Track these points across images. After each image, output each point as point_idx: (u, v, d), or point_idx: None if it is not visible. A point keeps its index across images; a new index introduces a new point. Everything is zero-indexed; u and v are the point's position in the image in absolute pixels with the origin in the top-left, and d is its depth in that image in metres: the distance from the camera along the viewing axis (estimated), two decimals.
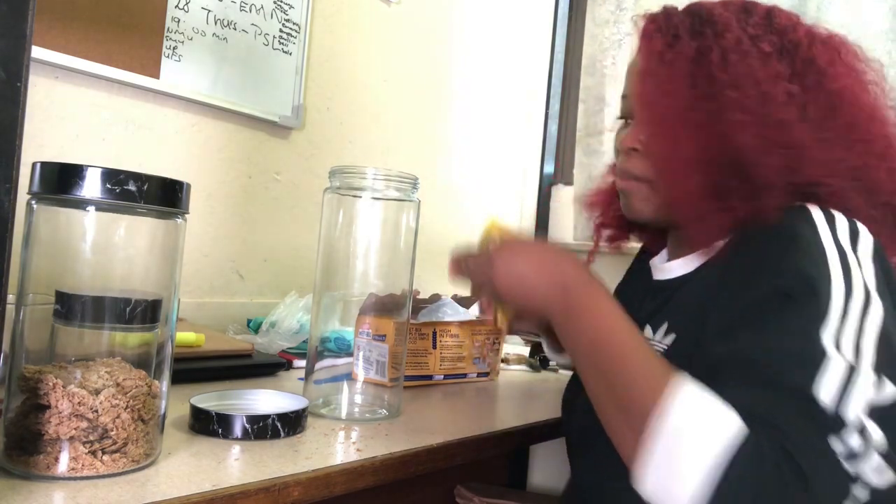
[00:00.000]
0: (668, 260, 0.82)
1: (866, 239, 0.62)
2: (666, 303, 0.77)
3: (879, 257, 0.61)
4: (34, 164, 0.60)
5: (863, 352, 0.54)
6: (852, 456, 0.49)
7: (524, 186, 2.10)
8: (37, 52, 1.08)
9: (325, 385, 0.92)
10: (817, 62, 0.69)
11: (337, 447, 0.76)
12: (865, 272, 0.59)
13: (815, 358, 0.52)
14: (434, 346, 1.13)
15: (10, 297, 0.51)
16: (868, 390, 0.51)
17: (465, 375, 1.18)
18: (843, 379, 0.52)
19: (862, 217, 0.64)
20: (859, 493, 0.50)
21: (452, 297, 1.22)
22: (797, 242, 0.60)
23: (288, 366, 1.10)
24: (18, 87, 0.44)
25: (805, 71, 0.68)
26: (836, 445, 0.49)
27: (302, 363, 1.06)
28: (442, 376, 1.15)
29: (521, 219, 2.09)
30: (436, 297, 1.23)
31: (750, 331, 0.57)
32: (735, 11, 0.71)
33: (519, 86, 2.08)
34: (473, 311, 1.23)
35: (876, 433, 0.50)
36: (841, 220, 0.62)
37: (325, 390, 0.91)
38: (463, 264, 0.73)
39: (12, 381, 0.60)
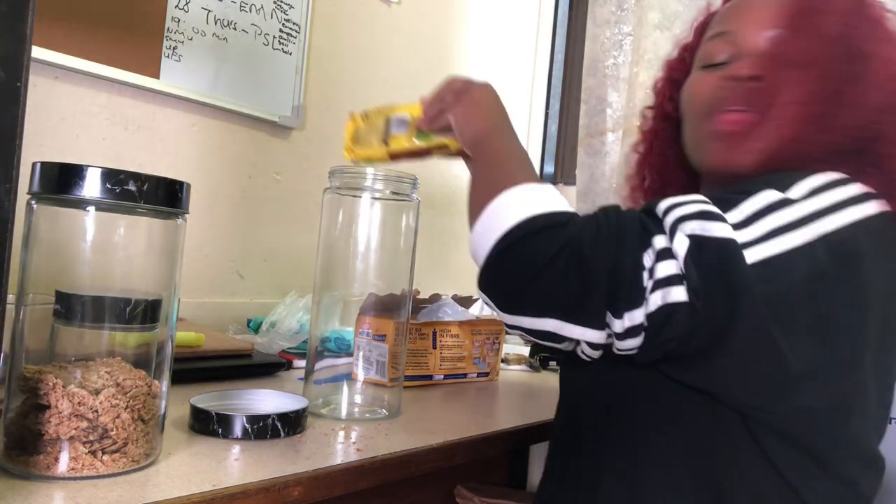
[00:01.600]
0: None
1: (861, 207, 0.59)
2: None
3: (876, 223, 0.59)
4: (34, 164, 0.60)
5: (758, 232, 0.55)
6: (656, 261, 0.54)
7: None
8: (37, 52, 1.08)
9: (325, 385, 0.92)
10: None
11: (337, 447, 0.76)
12: (826, 217, 0.57)
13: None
14: (434, 346, 1.13)
15: (10, 297, 0.51)
16: (695, 211, 0.55)
17: (464, 375, 1.18)
18: (685, 201, 0.57)
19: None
20: (651, 306, 0.53)
21: (452, 297, 1.22)
22: (773, 175, 0.62)
23: (288, 366, 1.10)
24: (18, 87, 0.44)
25: None
26: (646, 252, 0.54)
27: (302, 363, 1.06)
28: (442, 376, 1.15)
29: None
30: (436, 297, 1.23)
31: None
32: None
33: (519, 86, 2.08)
34: (474, 311, 1.23)
35: (681, 246, 0.54)
36: (847, 184, 0.60)
37: (325, 390, 0.91)
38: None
39: (12, 381, 0.60)
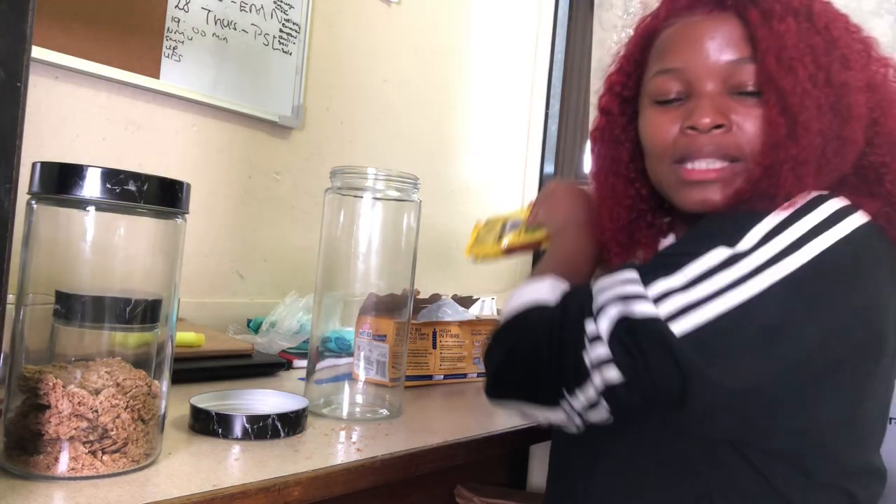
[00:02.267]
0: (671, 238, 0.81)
1: (838, 229, 0.58)
2: None
3: (852, 257, 0.59)
4: (34, 164, 0.60)
5: (702, 302, 0.56)
6: (591, 343, 0.57)
7: (524, 186, 2.10)
8: (37, 52, 1.08)
9: (326, 385, 0.92)
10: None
11: (337, 447, 0.76)
12: (793, 255, 0.57)
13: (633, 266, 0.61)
14: (434, 346, 1.13)
15: (10, 297, 0.51)
16: (623, 293, 0.58)
17: (465, 375, 1.17)
18: (620, 280, 0.59)
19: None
20: (597, 383, 0.57)
21: (452, 298, 1.22)
22: (740, 212, 0.62)
23: (288, 366, 1.10)
24: (18, 87, 0.44)
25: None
26: (588, 329, 0.58)
27: (302, 363, 1.06)
28: (442, 376, 1.15)
29: None
30: (436, 297, 1.23)
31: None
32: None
33: (519, 86, 2.08)
34: (474, 312, 1.23)
35: (605, 328, 0.57)
36: (827, 206, 0.59)
37: (326, 390, 0.91)
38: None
39: (12, 381, 0.60)
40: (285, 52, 1.44)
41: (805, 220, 0.58)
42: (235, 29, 1.36)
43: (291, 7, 1.45)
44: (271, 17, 1.42)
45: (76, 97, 1.17)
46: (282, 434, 0.75)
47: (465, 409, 1.03)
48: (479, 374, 1.19)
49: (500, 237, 0.97)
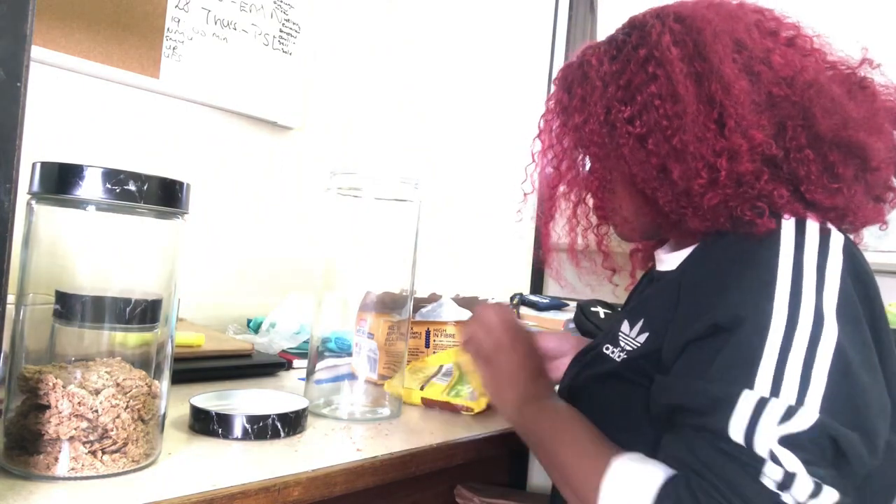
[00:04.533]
0: (669, 251, 0.82)
1: (836, 256, 0.60)
2: (648, 297, 0.78)
3: (853, 275, 0.60)
4: (34, 164, 0.60)
5: (807, 381, 0.54)
6: (784, 486, 0.52)
7: (524, 186, 2.10)
8: (37, 52, 1.08)
9: (326, 385, 0.92)
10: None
11: (337, 447, 0.76)
12: (825, 295, 0.58)
13: (730, 398, 0.55)
14: (427, 346, 1.13)
15: (10, 297, 0.51)
16: (773, 420, 0.53)
17: None
18: (751, 413, 0.54)
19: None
20: None
21: (454, 298, 1.22)
22: (748, 269, 0.60)
23: (288, 366, 1.10)
24: (18, 87, 0.44)
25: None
26: (765, 479, 0.52)
27: (302, 363, 1.06)
28: None
29: (521, 219, 2.09)
30: (434, 297, 1.23)
31: (683, 370, 0.61)
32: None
33: (519, 86, 2.08)
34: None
35: (789, 461, 0.52)
36: (812, 233, 0.61)
37: (326, 390, 0.91)
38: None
39: (12, 381, 0.60)
40: (285, 52, 1.44)
41: (807, 257, 0.60)
42: (235, 29, 1.36)
43: (291, 7, 1.45)
44: (271, 17, 1.42)
45: (76, 97, 1.17)
46: (282, 434, 0.75)
47: None
48: None
49: (424, 384, 0.97)
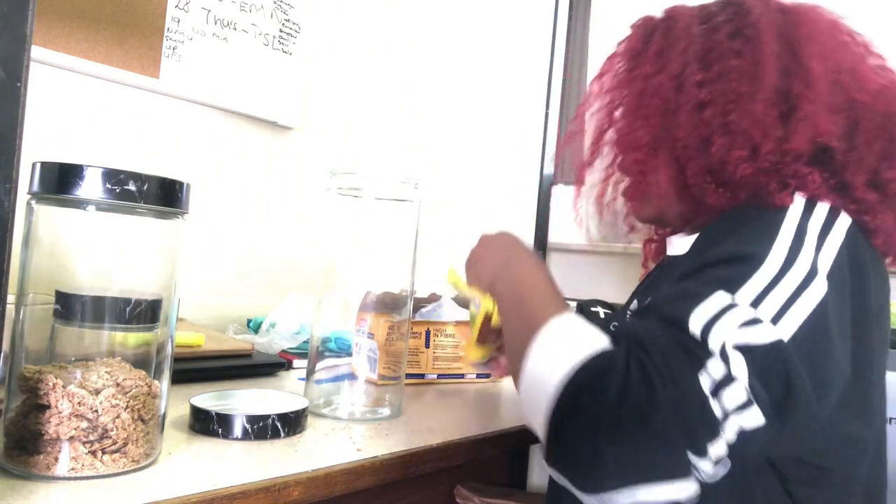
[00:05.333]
0: (681, 237, 0.82)
1: (839, 231, 0.61)
2: (657, 277, 0.79)
3: (850, 255, 0.60)
4: (34, 164, 0.60)
5: (784, 311, 0.54)
6: (718, 389, 0.50)
7: (524, 186, 2.10)
8: (37, 52, 1.08)
9: (326, 385, 0.92)
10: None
11: (337, 447, 0.76)
12: (821, 255, 0.58)
13: (702, 294, 0.55)
14: (427, 346, 1.13)
15: (10, 297, 0.51)
16: (735, 322, 0.52)
17: (462, 376, 1.17)
18: (717, 311, 0.53)
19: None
20: (730, 434, 0.50)
21: (453, 298, 1.22)
22: (752, 223, 0.62)
23: (288, 366, 1.10)
24: (18, 87, 0.44)
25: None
26: (703, 376, 0.51)
27: (302, 363, 1.06)
28: (435, 375, 1.15)
29: (521, 219, 2.09)
30: (434, 297, 1.23)
31: (672, 287, 0.61)
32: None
33: (519, 86, 2.08)
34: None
35: (737, 364, 0.51)
36: (821, 209, 0.62)
37: (326, 390, 0.91)
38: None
39: (12, 381, 0.60)
40: (285, 52, 1.44)
41: (815, 220, 0.61)
42: (235, 29, 1.36)
43: (291, 7, 1.45)
44: (271, 17, 1.42)
45: (76, 97, 1.17)
46: (282, 434, 0.75)
47: (465, 408, 1.03)
48: (477, 375, 1.20)
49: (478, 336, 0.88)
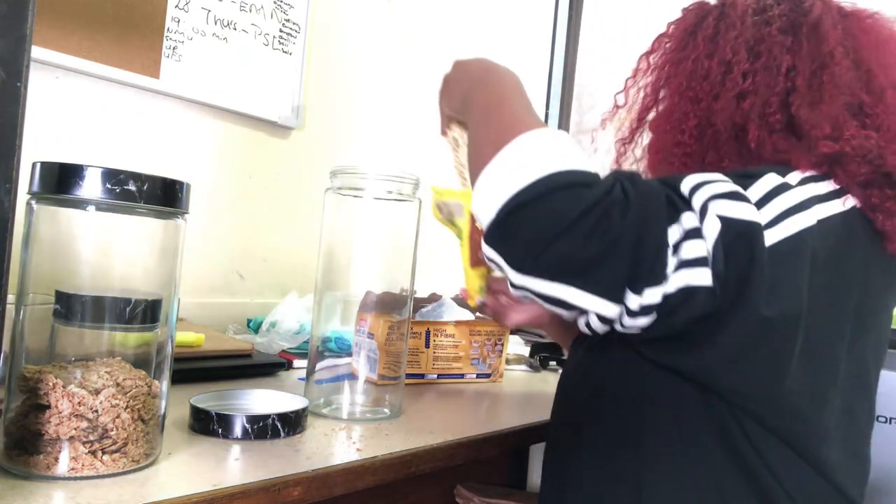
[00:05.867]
0: None
1: (836, 205, 0.62)
2: None
3: (842, 233, 0.61)
4: (34, 164, 0.60)
5: (766, 209, 0.56)
6: (683, 240, 0.52)
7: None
8: (37, 52, 1.08)
9: (326, 385, 0.92)
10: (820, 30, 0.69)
11: (337, 447, 0.76)
12: (796, 217, 0.59)
13: (699, 176, 0.57)
14: (427, 346, 1.13)
15: (10, 297, 0.51)
16: (722, 191, 0.54)
17: (462, 376, 1.17)
18: (707, 180, 0.56)
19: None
20: (672, 285, 0.52)
21: (454, 298, 1.22)
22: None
23: (288, 366, 1.10)
24: (18, 87, 0.44)
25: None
26: (673, 227, 0.53)
27: (302, 363, 1.06)
28: (435, 375, 1.15)
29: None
30: (434, 297, 1.23)
31: None
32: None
33: None
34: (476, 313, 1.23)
35: (710, 224, 0.52)
36: (824, 182, 0.63)
37: (327, 390, 0.91)
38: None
39: (12, 381, 0.60)
40: (285, 52, 1.44)
41: (825, 183, 0.63)
42: (235, 29, 1.36)
43: (291, 7, 1.45)
44: (271, 17, 1.42)
45: (76, 97, 1.17)
46: (282, 434, 0.75)
47: (465, 409, 1.03)
48: (477, 375, 1.19)
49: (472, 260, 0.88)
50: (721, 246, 0.52)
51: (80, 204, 0.59)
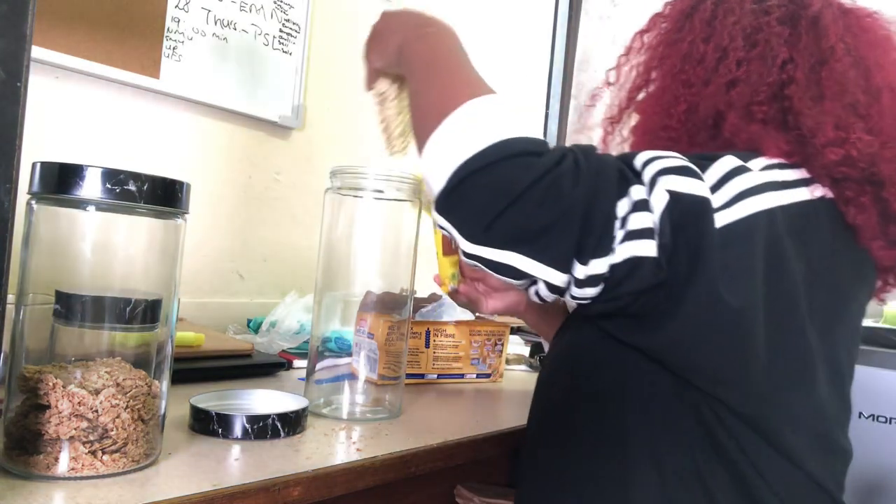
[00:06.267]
0: None
1: (800, 194, 0.62)
2: None
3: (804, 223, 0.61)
4: (34, 164, 0.60)
5: (723, 199, 0.56)
6: (630, 212, 0.53)
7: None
8: (37, 52, 1.08)
9: (326, 385, 0.92)
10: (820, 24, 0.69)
11: (337, 447, 0.76)
12: (777, 193, 0.60)
13: (653, 152, 0.57)
14: (427, 346, 1.13)
15: (10, 297, 0.51)
16: (674, 165, 0.55)
17: (462, 376, 1.17)
18: (663, 154, 0.56)
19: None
20: (619, 255, 0.52)
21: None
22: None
23: (288, 366, 1.10)
24: (18, 87, 0.44)
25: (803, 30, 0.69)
26: (622, 200, 0.53)
27: (302, 363, 1.06)
28: (435, 375, 1.15)
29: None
30: (434, 298, 1.23)
31: None
32: None
33: (519, 86, 2.08)
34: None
35: (658, 196, 0.53)
36: (791, 170, 0.63)
37: (327, 390, 0.91)
38: None
39: (12, 381, 0.60)
40: (285, 52, 1.44)
41: (791, 171, 0.63)
42: (235, 29, 1.36)
43: (291, 7, 1.45)
44: (271, 17, 1.42)
45: (76, 97, 1.17)
46: (282, 434, 0.75)
47: (465, 408, 1.03)
48: (477, 375, 1.20)
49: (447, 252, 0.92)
50: (668, 219, 0.52)
51: (80, 204, 0.59)
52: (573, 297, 0.56)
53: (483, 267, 0.55)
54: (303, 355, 1.09)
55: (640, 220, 0.52)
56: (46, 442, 0.58)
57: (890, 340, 1.32)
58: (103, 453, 0.59)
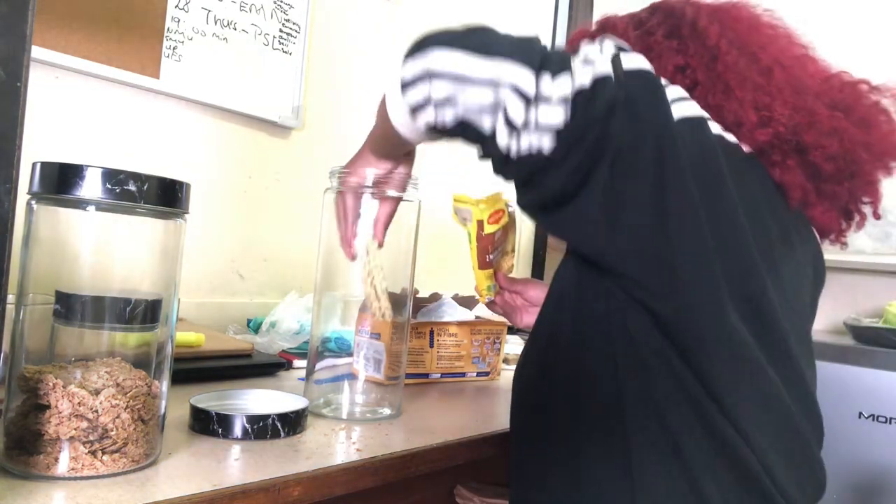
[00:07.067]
0: None
1: (687, 108, 0.64)
2: None
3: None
4: (34, 164, 0.60)
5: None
6: (581, 63, 0.59)
7: None
8: (37, 52, 1.08)
9: (326, 385, 0.92)
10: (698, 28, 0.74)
11: (337, 447, 0.76)
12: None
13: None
14: (431, 345, 1.13)
15: (10, 297, 0.51)
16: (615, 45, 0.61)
17: (463, 375, 1.18)
18: (605, 43, 0.62)
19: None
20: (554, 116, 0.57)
21: (453, 298, 1.22)
22: None
23: (288, 366, 1.10)
24: (18, 87, 0.44)
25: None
26: (576, 59, 0.60)
27: (302, 363, 1.06)
28: (439, 375, 1.15)
29: (521, 217, 2.09)
30: (436, 297, 1.23)
31: None
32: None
33: None
34: (476, 312, 1.23)
35: (606, 47, 0.60)
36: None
37: (326, 390, 0.91)
38: None
39: (12, 381, 0.60)
40: (285, 52, 1.44)
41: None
42: (235, 29, 1.36)
43: (291, 7, 1.45)
44: (271, 17, 1.42)
45: (76, 97, 1.17)
46: (282, 434, 0.75)
47: (465, 408, 1.03)
48: (478, 374, 1.20)
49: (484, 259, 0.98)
50: (618, 61, 0.59)
51: (80, 204, 0.59)
52: (537, 127, 0.58)
53: (465, 89, 0.65)
54: (303, 355, 1.09)
55: (594, 55, 0.59)
56: (46, 442, 0.58)
57: (890, 340, 1.32)
58: (103, 453, 0.59)
